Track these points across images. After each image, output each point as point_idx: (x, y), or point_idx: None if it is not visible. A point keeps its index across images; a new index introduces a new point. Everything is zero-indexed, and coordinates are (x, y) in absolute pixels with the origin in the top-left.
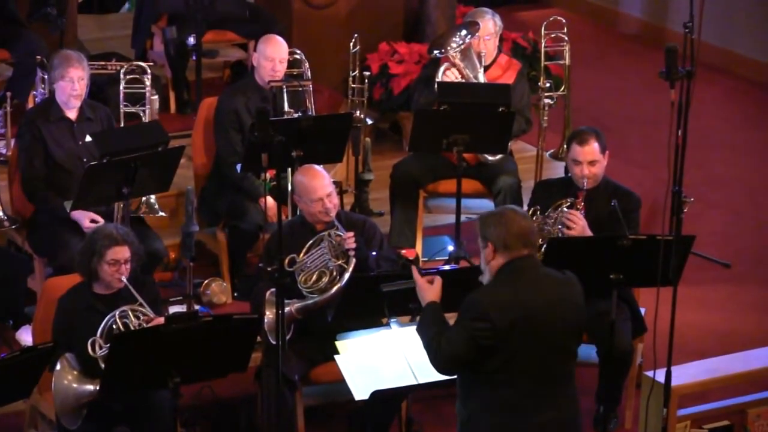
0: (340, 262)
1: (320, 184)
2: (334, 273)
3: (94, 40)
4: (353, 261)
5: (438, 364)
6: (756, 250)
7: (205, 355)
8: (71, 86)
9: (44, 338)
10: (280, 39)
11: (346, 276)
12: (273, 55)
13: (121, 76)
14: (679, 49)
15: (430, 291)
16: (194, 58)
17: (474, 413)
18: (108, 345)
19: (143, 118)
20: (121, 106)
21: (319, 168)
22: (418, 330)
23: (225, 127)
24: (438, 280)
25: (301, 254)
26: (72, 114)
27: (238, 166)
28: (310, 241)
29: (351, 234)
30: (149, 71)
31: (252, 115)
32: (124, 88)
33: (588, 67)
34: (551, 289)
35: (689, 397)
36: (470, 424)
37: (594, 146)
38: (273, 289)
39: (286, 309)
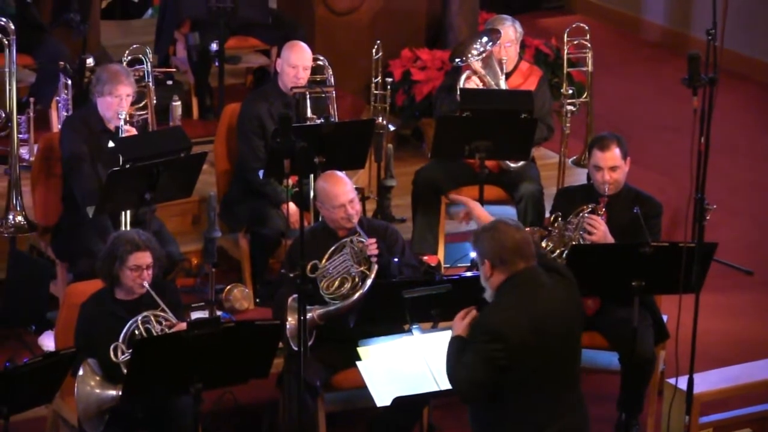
0: (362, 268)
1: (342, 190)
2: (357, 279)
3: (116, 46)
4: (375, 267)
5: (462, 393)
6: None
7: (226, 361)
8: (119, 103)
9: (66, 344)
10: (304, 45)
11: (369, 282)
12: (297, 62)
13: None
14: (701, 56)
15: (460, 327)
16: (217, 64)
17: (485, 428)
18: (130, 350)
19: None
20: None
21: (341, 174)
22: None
23: (248, 133)
24: (473, 314)
25: (323, 260)
26: (113, 126)
27: (261, 172)
28: (332, 248)
29: (373, 240)
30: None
31: (275, 121)
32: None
33: (610, 74)
34: (552, 297)
35: (711, 404)
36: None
37: (615, 152)
38: (295, 295)
39: (309, 315)
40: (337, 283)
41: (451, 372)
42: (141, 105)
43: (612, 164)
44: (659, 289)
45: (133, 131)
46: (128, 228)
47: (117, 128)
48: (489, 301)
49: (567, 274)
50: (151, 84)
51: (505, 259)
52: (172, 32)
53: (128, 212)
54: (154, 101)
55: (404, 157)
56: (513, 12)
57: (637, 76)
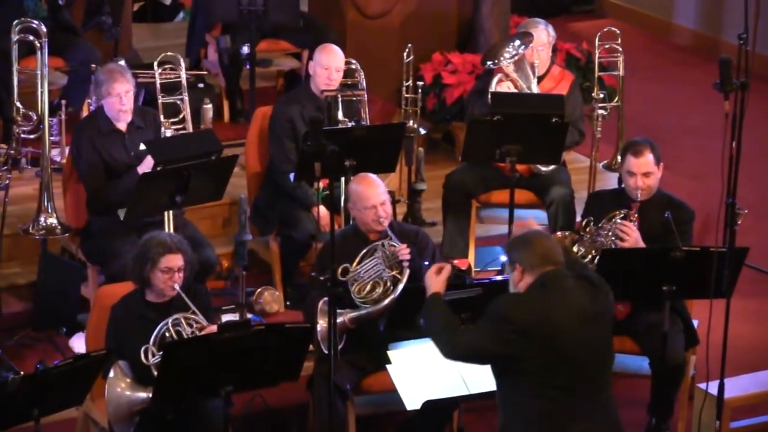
0: (394, 272)
1: (374, 192)
2: (388, 284)
3: (148, 48)
4: (407, 272)
5: (452, 351)
6: None
7: (257, 364)
8: (119, 102)
9: (97, 346)
10: (336, 48)
11: (400, 287)
12: (329, 64)
13: (155, 66)
14: (733, 61)
15: (436, 282)
16: (248, 67)
17: (509, 421)
18: (161, 353)
19: (181, 106)
20: (159, 97)
21: (373, 176)
22: (422, 317)
23: (279, 135)
24: (447, 269)
25: (354, 264)
26: (122, 125)
27: (292, 175)
28: (363, 251)
29: (405, 245)
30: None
31: (306, 123)
32: (159, 77)
33: (642, 78)
34: (580, 300)
35: (742, 409)
36: (506, 430)
37: (649, 158)
38: (325, 299)
39: (339, 319)
40: (368, 287)
41: (438, 329)
42: (179, 118)
43: (645, 170)
44: (690, 294)
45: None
46: (172, 231)
47: (130, 124)
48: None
49: (600, 285)
50: (185, 96)
51: (535, 263)
52: (203, 35)
53: (170, 215)
54: (188, 111)
55: (435, 160)
56: (544, 15)
57: (668, 80)
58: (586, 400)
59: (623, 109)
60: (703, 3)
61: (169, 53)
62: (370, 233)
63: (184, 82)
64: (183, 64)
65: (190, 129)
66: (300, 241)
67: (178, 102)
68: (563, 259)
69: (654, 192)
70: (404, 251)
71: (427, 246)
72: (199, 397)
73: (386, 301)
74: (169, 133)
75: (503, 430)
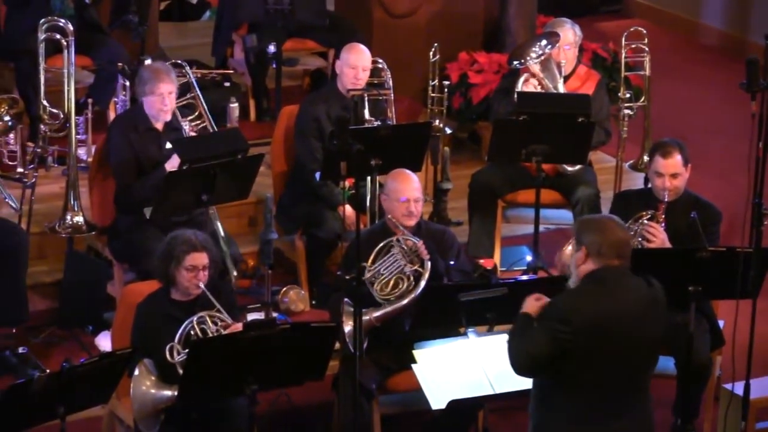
0: (416, 266)
1: (409, 186)
2: (411, 278)
3: (174, 47)
4: (429, 264)
5: (517, 363)
6: None
7: (282, 363)
8: (161, 101)
9: (123, 344)
10: (363, 47)
11: (423, 281)
12: (356, 63)
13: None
14: (760, 61)
15: (532, 306)
16: (274, 66)
17: (545, 420)
18: (186, 351)
19: (194, 104)
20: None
21: (412, 174)
22: (510, 332)
23: (305, 134)
24: (545, 300)
25: (369, 262)
26: (159, 125)
27: (317, 174)
28: (377, 248)
29: (421, 241)
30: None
31: (333, 123)
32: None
33: (668, 78)
34: (635, 302)
35: None
36: (540, 429)
37: (677, 159)
38: (346, 299)
39: (365, 317)
40: (392, 283)
41: (512, 342)
42: (194, 116)
43: (673, 171)
44: (716, 295)
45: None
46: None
47: (167, 124)
48: (571, 287)
49: (655, 284)
50: (198, 92)
51: (603, 252)
52: (229, 34)
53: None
54: (205, 107)
55: (461, 160)
56: (570, 15)
57: (694, 80)
58: (624, 399)
59: (650, 109)
60: (730, 3)
61: (173, 60)
62: (398, 231)
63: (193, 82)
64: (188, 67)
65: (209, 124)
66: (325, 240)
67: (191, 101)
68: (629, 255)
69: (681, 193)
70: (423, 250)
71: (452, 245)
72: (224, 396)
73: (411, 296)
74: (187, 127)
75: (537, 429)
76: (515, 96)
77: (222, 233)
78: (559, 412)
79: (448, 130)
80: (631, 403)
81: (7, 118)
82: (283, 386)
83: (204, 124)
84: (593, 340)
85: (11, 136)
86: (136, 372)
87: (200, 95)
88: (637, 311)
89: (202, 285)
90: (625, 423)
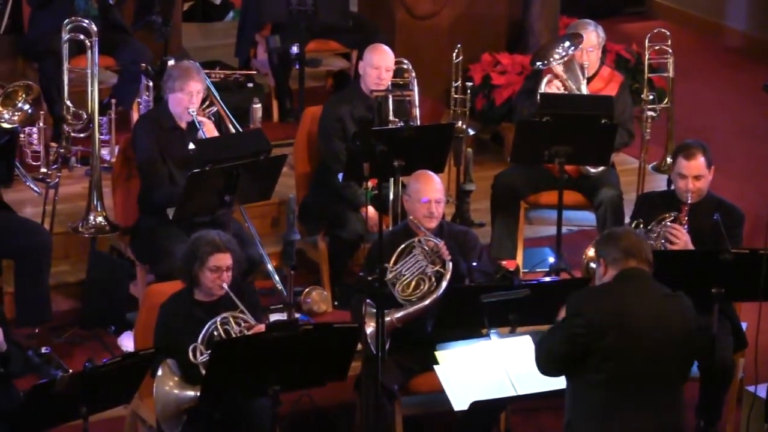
0: (437, 267)
1: (432, 187)
2: (433, 279)
3: (198, 48)
4: (450, 265)
5: (538, 361)
6: None
7: (304, 364)
8: (189, 99)
9: (146, 344)
10: (386, 48)
11: (445, 281)
12: (380, 63)
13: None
14: None
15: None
16: (297, 67)
17: (573, 418)
18: (209, 351)
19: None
20: None
21: (435, 175)
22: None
23: (329, 135)
24: None
25: (391, 263)
26: (184, 123)
27: (340, 175)
28: (399, 249)
29: (443, 242)
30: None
31: (356, 123)
32: None
33: (691, 80)
34: (656, 302)
35: None
36: (570, 428)
37: (701, 161)
38: (368, 300)
39: (387, 318)
40: (413, 284)
41: (538, 344)
42: (207, 104)
43: (697, 173)
44: (739, 297)
45: (209, 123)
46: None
47: (191, 123)
48: None
49: (680, 292)
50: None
51: (617, 257)
52: (253, 35)
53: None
54: (223, 106)
55: (483, 161)
56: (594, 17)
57: (718, 82)
58: (652, 398)
59: (673, 111)
60: (754, 5)
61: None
62: (420, 232)
63: (209, 85)
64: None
65: (232, 125)
66: (348, 241)
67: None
68: (650, 258)
69: (704, 195)
70: (445, 249)
71: (475, 247)
72: (246, 396)
73: (433, 297)
74: (200, 117)
75: (567, 428)
76: (538, 97)
77: (253, 232)
78: (585, 412)
79: (471, 132)
80: (660, 403)
81: (26, 106)
82: (306, 387)
83: (215, 109)
84: (609, 335)
85: (34, 136)
86: (159, 372)
87: (218, 97)
88: (658, 310)
89: (225, 286)
90: (653, 422)
